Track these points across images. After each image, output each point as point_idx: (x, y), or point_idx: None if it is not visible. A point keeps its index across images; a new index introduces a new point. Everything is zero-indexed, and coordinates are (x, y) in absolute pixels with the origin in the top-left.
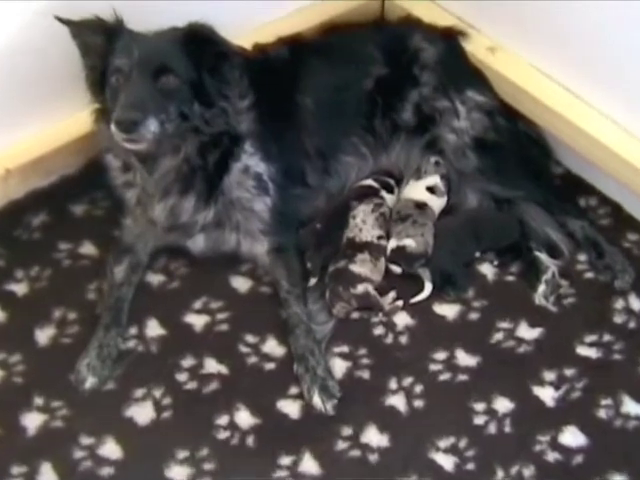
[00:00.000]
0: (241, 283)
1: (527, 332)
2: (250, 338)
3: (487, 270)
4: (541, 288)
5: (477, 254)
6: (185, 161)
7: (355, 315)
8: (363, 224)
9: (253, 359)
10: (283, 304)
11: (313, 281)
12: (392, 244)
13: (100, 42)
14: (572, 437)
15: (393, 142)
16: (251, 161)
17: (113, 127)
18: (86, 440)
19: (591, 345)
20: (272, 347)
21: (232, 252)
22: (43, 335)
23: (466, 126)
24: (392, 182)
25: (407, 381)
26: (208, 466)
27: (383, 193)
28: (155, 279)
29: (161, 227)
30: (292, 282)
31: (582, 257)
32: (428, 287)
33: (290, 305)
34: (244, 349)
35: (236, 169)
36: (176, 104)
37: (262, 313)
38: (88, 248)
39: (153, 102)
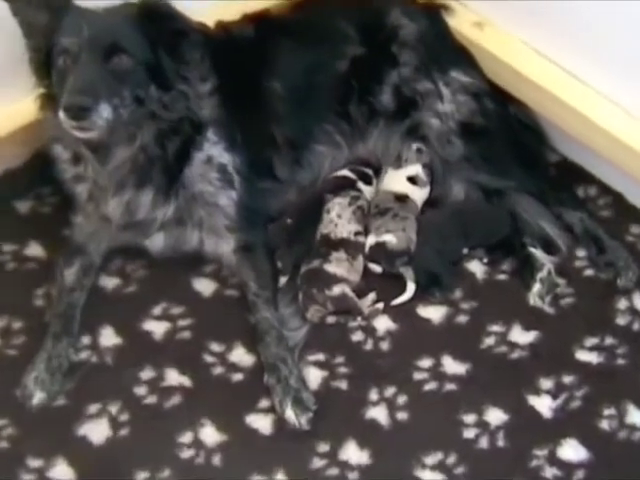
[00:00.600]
0: (205, 286)
1: (521, 336)
2: (215, 346)
3: (476, 268)
4: (536, 287)
5: (465, 251)
6: (142, 151)
7: (331, 319)
8: (338, 219)
9: (219, 370)
10: (251, 308)
11: (284, 282)
12: (371, 240)
13: (45, 20)
14: (572, 451)
15: (370, 129)
16: (214, 151)
17: (61, 114)
18: (34, 462)
19: (592, 349)
20: (240, 356)
21: (194, 252)
22: None
23: (451, 110)
24: (370, 172)
25: (389, 391)
26: None
27: (360, 185)
28: (110, 283)
29: (116, 225)
30: (261, 284)
31: (581, 253)
32: (411, 288)
33: (259, 309)
34: (209, 359)
35: (198, 160)
36: (130, 87)
37: (228, 319)
38: (35, 249)
39: (105, 86)
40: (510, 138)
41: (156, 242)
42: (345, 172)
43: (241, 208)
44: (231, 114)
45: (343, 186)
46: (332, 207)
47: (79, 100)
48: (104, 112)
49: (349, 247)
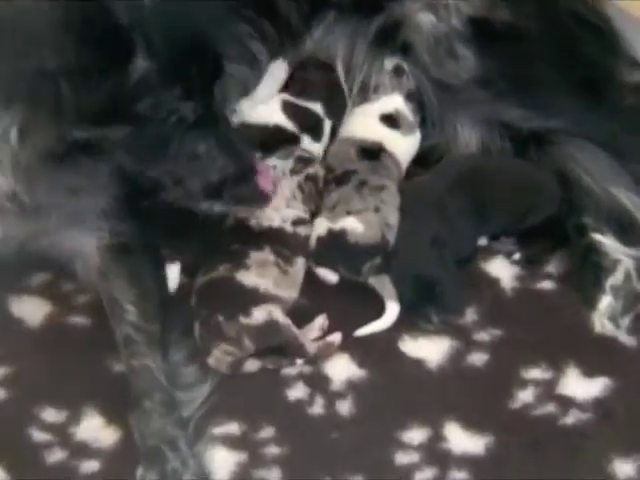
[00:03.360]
0: (31, 310)
1: (581, 387)
2: (50, 415)
3: (502, 271)
4: (605, 302)
5: (482, 241)
6: None
7: (252, 366)
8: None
9: (57, 455)
10: (122, 349)
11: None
12: (320, 229)
13: None
14: None
15: (314, 32)
16: None
17: None
18: None
19: None
20: (94, 430)
21: (37, 251)
22: None
23: None
24: (318, 110)
25: None
26: None
27: (305, 140)
28: None
29: None
30: (144, 308)
31: None
32: (391, 309)
33: (136, 353)
34: (39, 436)
35: None
36: None
37: (74, 367)
38: None
39: None
40: (558, 46)
41: None
42: (278, 118)
43: (121, 181)
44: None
45: (278, 142)
46: None
47: None
48: None
49: (280, 243)
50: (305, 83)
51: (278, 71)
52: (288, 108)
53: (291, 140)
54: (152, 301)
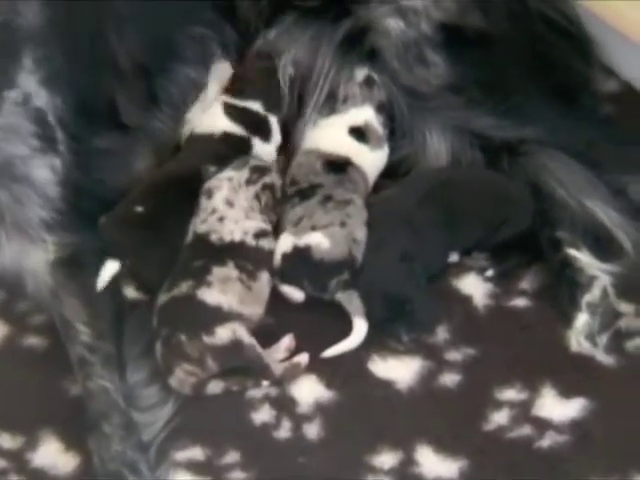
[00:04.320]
0: None
1: (558, 408)
2: (6, 440)
3: (474, 288)
4: (581, 320)
5: (453, 257)
6: None
7: (215, 387)
8: (227, 208)
9: None
10: (78, 371)
11: (135, 322)
12: (284, 244)
13: None
14: None
15: (275, 36)
16: (30, 85)
17: None
18: None
19: None
20: (52, 456)
21: None
22: None
23: (424, 2)
24: (259, 110)
25: None
26: None
27: (256, 142)
28: None
29: None
30: (97, 327)
31: None
32: (358, 326)
33: (91, 374)
34: None
35: (9, 102)
36: None
37: (31, 389)
38: None
39: None
40: (531, 53)
41: None
42: (221, 122)
43: (68, 188)
44: (57, 23)
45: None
46: (216, 187)
47: None
48: None
49: (244, 257)
50: (244, 81)
51: (221, 72)
52: (231, 111)
53: (242, 145)
54: (106, 318)
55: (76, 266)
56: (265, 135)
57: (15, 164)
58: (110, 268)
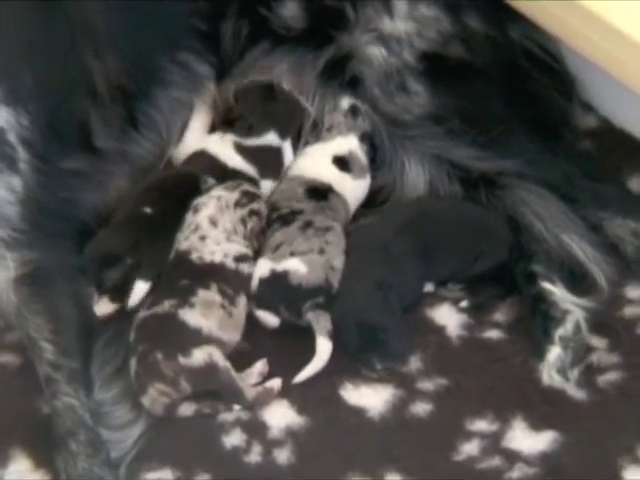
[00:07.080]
0: None
1: (527, 440)
2: None
3: (448, 318)
4: (553, 353)
5: (428, 287)
6: None
7: (187, 409)
8: (210, 227)
9: None
10: (45, 389)
11: (108, 337)
12: (262, 269)
13: None
14: None
15: (258, 63)
16: None
17: None
18: None
19: None
20: (21, 474)
21: None
22: None
23: (407, 31)
24: (274, 142)
25: None
26: None
27: (263, 185)
28: None
29: None
30: (62, 344)
31: (636, 291)
32: (322, 347)
33: (57, 391)
34: None
35: None
36: None
37: (2, 407)
38: None
39: None
40: (512, 85)
41: None
42: (233, 160)
43: (29, 207)
44: (24, 36)
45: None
46: (203, 203)
47: None
48: None
49: (224, 281)
50: (246, 117)
51: (201, 118)
52: (243, 151)
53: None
54: (70, 335)
55: (39, 283)
56: (274, 173)
57: None
58: (141, 288)
